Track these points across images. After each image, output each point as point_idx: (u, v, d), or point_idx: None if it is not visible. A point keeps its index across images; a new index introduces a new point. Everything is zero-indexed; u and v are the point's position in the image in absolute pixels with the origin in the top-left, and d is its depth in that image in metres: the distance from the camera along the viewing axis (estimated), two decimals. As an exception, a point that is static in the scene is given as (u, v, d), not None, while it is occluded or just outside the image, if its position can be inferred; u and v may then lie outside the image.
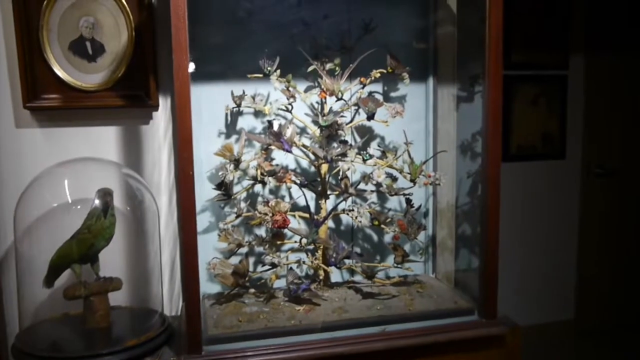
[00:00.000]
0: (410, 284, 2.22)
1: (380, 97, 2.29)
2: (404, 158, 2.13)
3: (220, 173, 2.04)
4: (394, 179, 2.16)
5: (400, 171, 2.14)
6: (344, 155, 2.00)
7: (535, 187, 3.47)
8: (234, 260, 2.13)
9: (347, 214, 2.10)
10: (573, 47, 3.44)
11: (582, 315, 3.67)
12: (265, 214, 1.93)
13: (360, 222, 2.03)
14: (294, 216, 2.09)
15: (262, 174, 2.01)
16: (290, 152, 1.99)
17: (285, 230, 2.00)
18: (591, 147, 3.59)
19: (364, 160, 2.04)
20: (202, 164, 2.21)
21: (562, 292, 3.62)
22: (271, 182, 1.99)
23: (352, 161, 2.00)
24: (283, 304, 2.04)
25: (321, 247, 2.12)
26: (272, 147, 2.02)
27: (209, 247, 2.22)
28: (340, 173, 2.16)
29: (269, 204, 1.94)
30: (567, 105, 3.47)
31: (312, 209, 2.17)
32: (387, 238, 2.45)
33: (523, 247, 3.47)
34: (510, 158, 3.35)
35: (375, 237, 2.44)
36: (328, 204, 2.16)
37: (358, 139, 2.36)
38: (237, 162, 2.03)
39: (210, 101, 2.20)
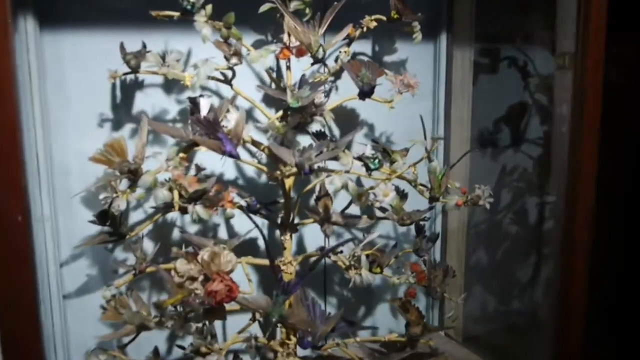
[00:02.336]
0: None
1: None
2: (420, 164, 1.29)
3: (102, 196, 1.09)
4: (403, 196, 1.32)
5: (414, 184, 1.30)
6: (333, 160, 1.11)
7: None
8: (133, 351, 1.20)
9: (336, 261, 1.23)
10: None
11: None
12: (192, 279, 1.01)
13: (359, 276, 1.17)
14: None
15: (181, 194, 1.08)
16: (236, 156, 1.07)
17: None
18: None
19: (370, 170, 1.17)
20: (70, 176, 1.25)
21: None
22: (198, 212, 1.07)
23: (347, 171, 1.12)
24: None
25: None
26: (201, 146, 1.10)
27: (87, 326, 1.28)
28: (318, 189, 1.28)
29: (198, 258, 1.02)
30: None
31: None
32: (377, 285, 1.61)
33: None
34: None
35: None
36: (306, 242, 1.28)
37: (335, 131, 1.49)
38: (133, 174, 1.09)
39: (80, 63, 1.23)
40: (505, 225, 1.78)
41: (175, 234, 1.35)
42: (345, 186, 1.10)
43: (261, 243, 1.44)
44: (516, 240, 1.79)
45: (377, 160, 1.15)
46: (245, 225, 1.33)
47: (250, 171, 1.40)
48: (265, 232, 1.43)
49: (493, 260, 1.80)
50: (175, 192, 1.08)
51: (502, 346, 1.72)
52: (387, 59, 1.51)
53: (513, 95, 1.72)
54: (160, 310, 1.05)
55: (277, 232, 1.32)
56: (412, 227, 1.39)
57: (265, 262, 1.26)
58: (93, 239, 1.16)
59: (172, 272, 1.03)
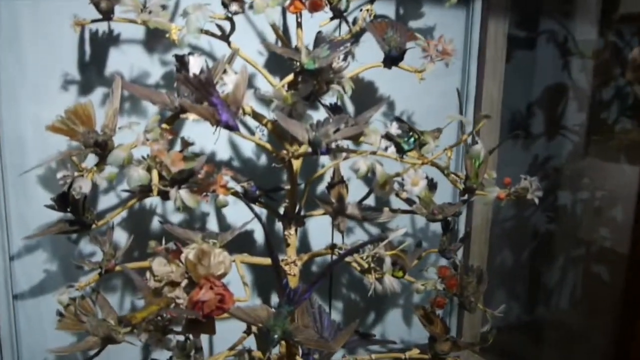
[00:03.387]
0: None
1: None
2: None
3: (60, 175, 0.85)
4: (433, 187, 1.09)
5: (446, 172, 1.07)
6: (355, 139, 0.88)
7: None
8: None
9: (351, 262, 1.00)
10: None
11: None
12: (172, 284, 0.77)
13: (384, 284, 0.95)
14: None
15: (162, 176, 0.85)
16: (234, 127, 0.83)
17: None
18: None
19: (403, 152, 0.94)
20: (24, 149, 1.01)
21: None
22: (182, 197, 0.84)
23: (374, 152, 0.89)
24: None
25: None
26: (189, 115, 0.86)
27: (44, 333, 1.05)
28: (332, 174, 1.06)
29: (181, 257, 0.79)
30: None
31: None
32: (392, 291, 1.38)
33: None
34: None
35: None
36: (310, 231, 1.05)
37: (348, 107, 1.26)
38: (100, 147, 0.85)
39: (38, 7, 0.98)
40: (534, 224, 1.58)
41: (155, 225, 1.12)
42: (371, 170, 0.87)
43: (259, 237, 1.21)
44: (546, 240, 1.58)
45: (412, 139, 0.92)
46: (240, 216, 1.10)
47: (248, 151, 1.17)
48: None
49: (519, 262, 1.59)
50: (155, 173, 0.84)
51: (527, 355, 1.52)
52: (413, 24, 1.28)
53: (550, 75, 1.50)
54: (128, 326, 0.81)
55: (278, 226, 1.10)
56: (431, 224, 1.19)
57: (265, 261, 1.04)
58: (50, 228, 0.92)
59: (148, 275, 0.80)
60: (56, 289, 0.95)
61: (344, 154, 0.92)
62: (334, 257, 1.09)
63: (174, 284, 0.78)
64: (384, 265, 0.97)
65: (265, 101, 1.05)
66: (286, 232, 1.04)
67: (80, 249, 1.08)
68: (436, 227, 1.33)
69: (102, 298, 0.94)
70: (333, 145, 0.86)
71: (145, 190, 0.89)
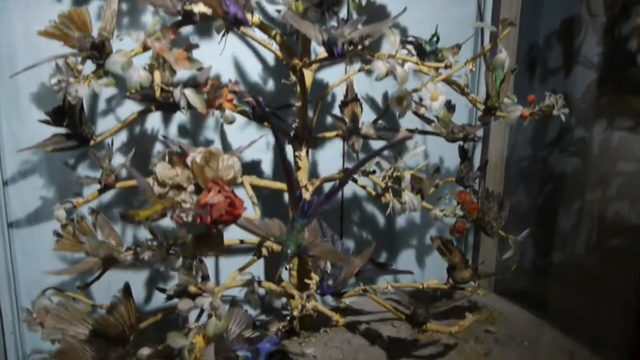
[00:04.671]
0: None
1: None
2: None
3: (54, 80, 0.79)
4: (451, 108, 1.03)
5: (467, 89, 1.01)
6: (368, 37, 0.81)
7: None
8: (99, 295, 0.92)
9: (365, 187, 0.95)
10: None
11: None
12: (178, 188, 0.71)
13: (403, 205, 0.89)
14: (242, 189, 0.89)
15: (163, 89, 0.78)
16: (243, 22, 0.76)
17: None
18: None
19: (425, 54, 0.87)
20: (16, 61, 0.94)
21: None
22: (188, 97, 0.78)
23: (392, 56, 0.82)
24: (221, 395, 0.87)
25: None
26: (194, 8, 0.79)
27: (40, 262, 0.99)
28: (345, 92, 0.99)
29: (187, 160, 0.72)
30: None
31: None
32: (409, 223, 1.33)
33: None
34: None
35: (379, 220, 1.30)
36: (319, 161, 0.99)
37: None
38: (98, 50, 0.79)
39: None
40: (551, 164, 1.51)
41: (158, 148, 1.05)
42: (390, 72, 0.80)
43: (266, 168, 1.15)
44: (561, 181, 1.52)
45: (435, 39, 0.85)
46: (243, 133, 1.05)
47: (254, 74, 1.10)
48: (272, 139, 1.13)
49: (534, 203, 1.53)
50: (157, 74, 0.78)
51: (542, 298, 1.46)
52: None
53: (567, 5, 1.43)
54: (130, 223, 0.75)
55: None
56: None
57: (275, 185, 0.98)
58: (45, 141, 0.86)
59: (151, 181, 0.74)
60: (53, 218, 0.90)
61: (356, 68, 0.85)
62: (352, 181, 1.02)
63: (179, 188, 0.71)
64: (402, 183, 0.91)
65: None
66: (297, 154, 0.98)
67: (78, 174, 1.01)
68: (450, 162, 1.28)
69: (102, 219, 0.89)
70: (349, 47, 0.80)
71: (147, 99, 0.83)
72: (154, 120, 1.04)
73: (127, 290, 0.79)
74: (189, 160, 0.72)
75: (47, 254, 0.97)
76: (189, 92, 0.77)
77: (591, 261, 1.48)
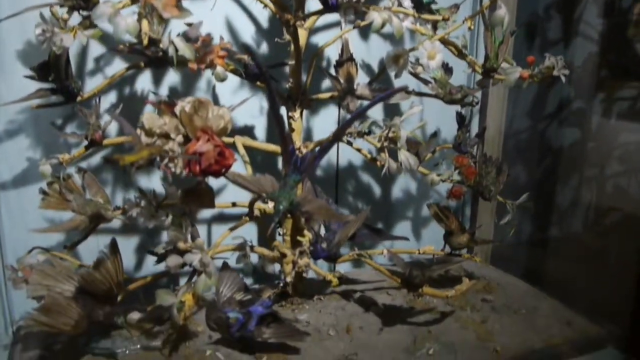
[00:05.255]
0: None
1: None
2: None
3: (38, 31, 0.76)
4: (448, 70, 1.01)
5: (465, 49, 0.98)
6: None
7: None
8: (88, 259, 0.90)
9: (360, 150, 0.92)
10: None
11: None
12: (166, 137, 0.69)
13: (400, 164, 0.87)
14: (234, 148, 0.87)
15: (153, 41, 0.76)
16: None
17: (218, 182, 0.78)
18: None
19: (423, 5, 0.85)
20: None
21: None
22: (177, 45, 0.75)
23: (389, 8, 0.79)
24: (211, 357, 0.86)
25: (290, 218, 0.94)
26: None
27: (28, 224, 0.96)
28: (340, 51, 0.97)
29: (176, 109, 0.70)
30: None
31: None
32: (405, 191, 1.31)
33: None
34: None
35: (375, 190, 1.28)
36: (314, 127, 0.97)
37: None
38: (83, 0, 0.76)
39: None
40: (549, 136, 1.49)
41: (148, 110, 1.02)
42: (387, 23, 0.78)
43: (259, 133, 1.12)
44: (560, 153, 1.50)
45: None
46: (235, 93, 1.02)
47: (247, 36, 1.07)
48: (266, 104, 1.11)
49: (532, 176, 1.52)
50: (145, 22, 0.75)
51: (539, 270, 1.45)
52: None
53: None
54: (114, 166, 0.72)
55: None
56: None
57: (269, 147, 0.96)
58: (30, 95, 0.83)
59: (139, 132, 0.71)
60: (40, 179, 0.87)
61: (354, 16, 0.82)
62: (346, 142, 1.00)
63: (167, 137, 0.69)
64: (398, 143, 0.89)
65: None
66: (290, 115, 0.95)
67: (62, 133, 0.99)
68: (447, 132, 1.25)
69: (89, 177, 0.86)
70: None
71: (135, 50, 0.81)
72: (144, 81, 1.01)
73: (113, 246, 0.77)
74: (177, 110, 0.70)
75: (34, 217, 0.95)
76: (177, 41, 0.74)
77: (589, 234, 1.46)
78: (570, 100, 1.46)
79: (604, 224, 1.43)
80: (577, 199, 1.49)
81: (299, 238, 0.86)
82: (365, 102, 1.00)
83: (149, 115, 0.70)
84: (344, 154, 1.20)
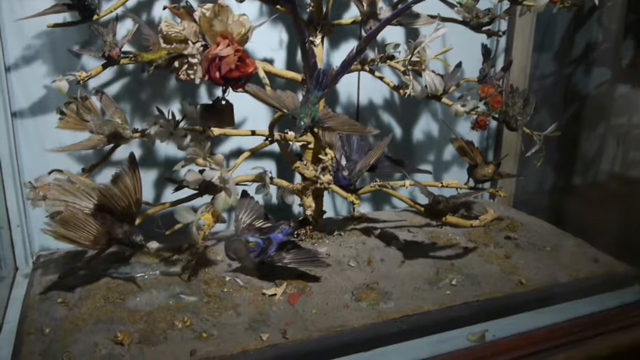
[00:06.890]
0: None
1: None
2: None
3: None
4: (474, -6, 0.97)
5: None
6: None
7: None
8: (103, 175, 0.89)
9: (382, 78, 0.89)
10: None
11: None
12: (185, 42, 0.66)
13: (425, 87, 0.84)
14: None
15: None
16: None
17: (239, 99, 0.75)
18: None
19: None
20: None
21: None
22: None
23: None
24: (231, 283, 0.85)
25: (310, 150, 0.92)
26: None
27: (45, 153, 0.95)
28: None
29: (195, 15, 0.67)
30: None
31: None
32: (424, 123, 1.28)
33: None
34: None
35: (397, 131, 1.25)
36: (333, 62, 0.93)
37: None
38: None
39: None
40: (575, 81, 1.44)
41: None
42: None
43: (279, 66, 1.09)
44: (585, 99, 1.45)
45: None
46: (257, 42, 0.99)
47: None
48: (286, 37, 1.07)
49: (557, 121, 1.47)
50: None
51: (563, 214, 1.41)
52: None
53: None
54: (133, 60, 0.69)
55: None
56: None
57: (290, 74, 0.93)
58: (46, 10, 0.81)
59: (158, 35, 0.69)
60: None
61: None
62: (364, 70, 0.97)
63: (186, 42, 0.67)
64: (422, 65, 0.86)
65: None
66: (311, 40, 0.92)
67: (82, 64, 0.97)
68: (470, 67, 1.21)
69: (107, 98, 0.84)
70: None
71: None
72: (160, 10, 0.98)
73: (132, 161, 0.75)
74: (196, 15, 0.68)
75: (51, 144, 0.93)
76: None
77: (615, 180, 1.42)
78: (598, 43, 1.41)
79: (630, 167, 1.39)
80: (603, 147, 1.45)
81: (320, 156, 0.83)
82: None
83: (167, 21, 0.68)
84: (365, 91, 1.17)
